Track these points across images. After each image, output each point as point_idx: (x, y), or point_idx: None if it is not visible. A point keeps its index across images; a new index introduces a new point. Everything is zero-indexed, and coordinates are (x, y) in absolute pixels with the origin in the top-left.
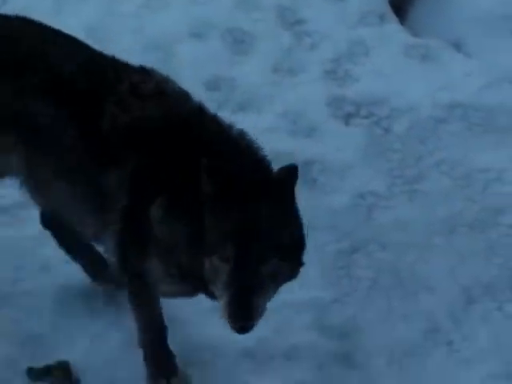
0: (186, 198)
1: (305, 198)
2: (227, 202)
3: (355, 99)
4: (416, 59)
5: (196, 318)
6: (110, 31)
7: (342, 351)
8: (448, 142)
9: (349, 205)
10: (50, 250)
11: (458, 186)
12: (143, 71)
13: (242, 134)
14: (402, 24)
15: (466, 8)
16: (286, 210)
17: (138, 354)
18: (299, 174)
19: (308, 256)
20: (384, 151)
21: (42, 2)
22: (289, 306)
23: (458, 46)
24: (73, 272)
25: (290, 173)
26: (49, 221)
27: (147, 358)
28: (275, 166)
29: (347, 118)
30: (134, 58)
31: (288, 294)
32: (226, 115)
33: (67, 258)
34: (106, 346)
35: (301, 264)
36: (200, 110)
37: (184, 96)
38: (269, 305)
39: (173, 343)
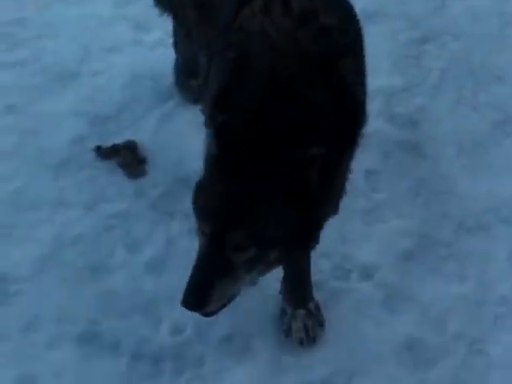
0: None
1: None
2: (220, 174)
3: None
4: None
5: None
6: None
7: (411, 140)
8: None
9: None
10: (121, 29)
11: None
12: None
13: None
14: None
15: None
16: (276, 197)
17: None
18: None
19: (378, 44)
20: None
21: None
22: None
23: None
24: (142, 53)
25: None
26: None
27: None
28: None
29: None
30: None
31: None
32: None
33: (137, 38)
34: (173, 127)
35: (306, 247)
36: None
37: None
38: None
39: None
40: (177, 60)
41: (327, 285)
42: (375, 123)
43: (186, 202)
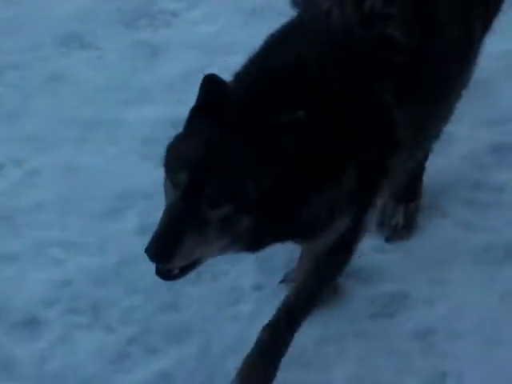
0: None
1: None
2: (199, 121)
3: None
4: None
5: None
6: None
7: None
8: None
9: None
10: None
11: None
12: None
13: None
14: None
15: None
16: (256, 156)
17: None
18: None
19: None
20: None
21: None
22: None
23: None
24: None
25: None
26: None
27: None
28: None
29: None
30: None
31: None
32: None
33: None
34: None
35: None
36: None
37: None
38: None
39: None
40: None
41: None
42: None
43: None
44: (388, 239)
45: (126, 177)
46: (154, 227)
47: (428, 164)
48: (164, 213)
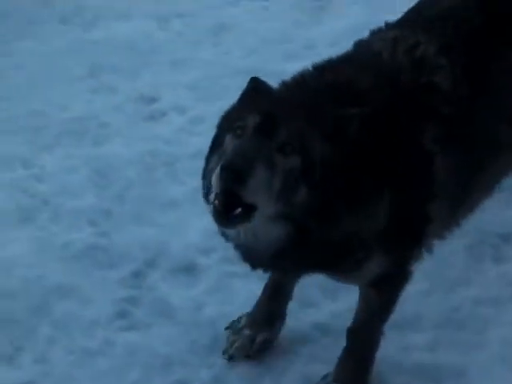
0: None
1: None
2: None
3: None
4: None
5: None
6: None
7: None
8: None
9: None
10: None
11: None
12: None
13: None
14: None
15: None
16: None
17: None
18: None
19: None
20: None
21: None
22: None
23: None
24: None
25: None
26: None
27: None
28: None
29: None
30: None
31: None
32: None
33: None
34: None
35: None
36: None
37: None
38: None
39: None
40: None
41: None
42: None
43: None
44: None
45: None
46: None
47: None
48: (234, 147)
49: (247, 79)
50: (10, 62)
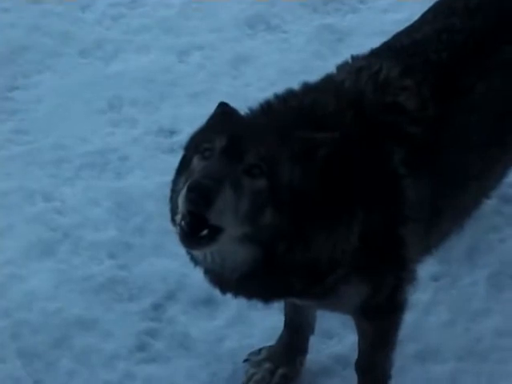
0: None
1: None
2: (224, 119)
3: None
4: None
5: None
6: None
7: None
8: None
9: None
10: None
11: None
12: None
13: None
14: None
15: None
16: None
17: None
18: None
19: None
20: None
21: None
22: None
23: None
24: None
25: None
26: None
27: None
28: None
29: None
30: None
31: None
32: None
33: None
34: None
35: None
36: None
37: None
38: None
39: None
40: None
41: None
42: None
43: None
44: None
45: None
46: None
47: None
48: (201, 169)
49: None
50: (30, 95)
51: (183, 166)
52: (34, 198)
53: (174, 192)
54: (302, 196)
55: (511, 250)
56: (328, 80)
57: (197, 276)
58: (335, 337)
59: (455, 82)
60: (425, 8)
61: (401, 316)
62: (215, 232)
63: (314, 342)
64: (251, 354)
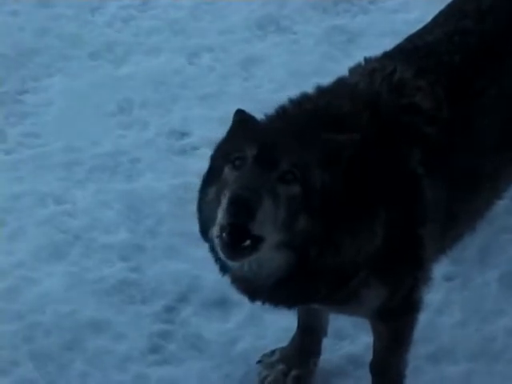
0: None
1: None
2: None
3: None
4: None
5: None
6: None
7: None
8: None
9: None
10: None
11: None
12: None
13: None
14: None
15: None
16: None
17: None
18: None
19: None
20: None
21: None
22: None
23: None
24: None
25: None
26: None
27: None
28: None
29: None
30: None
31: None
32: None
33: None
34: None
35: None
36: None
37: None
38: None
39: None
40: None
41: None
42: None
43: None
44: None
45: None
46: None
47: None
48: (237, 179)
49: None
50: (40, 98)
51: (212, 177)
52: (45, 201)
53: (205, 203)
54: (331, 199)
55: None
56: (341, 82)
57: (209, 278)
58: (347, 337)
59: (467, 84)
60: (435, 8)
61: (416, 316)
62: (257, 241)
63: (326, 342)
64: (264, 355)
